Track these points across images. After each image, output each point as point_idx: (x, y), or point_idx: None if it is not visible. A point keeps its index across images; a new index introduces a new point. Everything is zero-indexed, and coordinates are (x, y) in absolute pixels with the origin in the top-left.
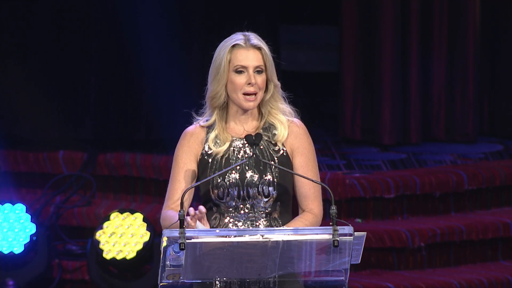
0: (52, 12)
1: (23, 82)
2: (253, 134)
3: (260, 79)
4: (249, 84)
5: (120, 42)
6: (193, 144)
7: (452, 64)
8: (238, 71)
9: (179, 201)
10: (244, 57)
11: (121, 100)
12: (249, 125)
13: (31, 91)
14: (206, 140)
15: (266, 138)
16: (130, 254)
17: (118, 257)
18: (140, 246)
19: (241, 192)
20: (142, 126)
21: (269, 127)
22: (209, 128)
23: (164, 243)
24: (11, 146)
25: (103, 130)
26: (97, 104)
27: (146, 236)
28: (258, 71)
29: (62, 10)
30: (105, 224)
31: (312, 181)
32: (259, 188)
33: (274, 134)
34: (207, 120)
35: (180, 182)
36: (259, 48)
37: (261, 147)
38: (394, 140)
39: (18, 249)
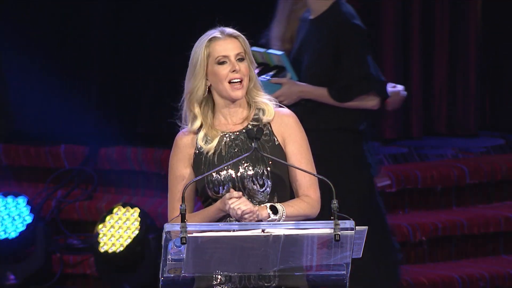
0: (55, 8)
1: (25, 76)
2: (252, 128)
3: (243, 65)
4: (234, 71)
5: (121, 36)
6: (184, 149)
7: (453, 58)
8: (221, 62)
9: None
10: (223, 47)
11: (122, 94)
12: (238, 117)
13: (33, 85)
14: (197, 140)
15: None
16: (120, 249)
17: (110, 251)
18: (129, 241)
19: (236, 184)
20: (144, 120)
21: (258, 114)
22: (197, 129)
23: (165, 237)
24: (13, 140)
25: (105, 124)
26: (99, 98)
27: (136, 231)
28: (240, 58)
29: (65, 7)
30: (107, 218)
31: (313, 174)
32: (254, 180)
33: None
34: (191, 125)
35: (180, 192)
36: (236, 37)
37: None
38: (395, 134)
39: (12, 234)
